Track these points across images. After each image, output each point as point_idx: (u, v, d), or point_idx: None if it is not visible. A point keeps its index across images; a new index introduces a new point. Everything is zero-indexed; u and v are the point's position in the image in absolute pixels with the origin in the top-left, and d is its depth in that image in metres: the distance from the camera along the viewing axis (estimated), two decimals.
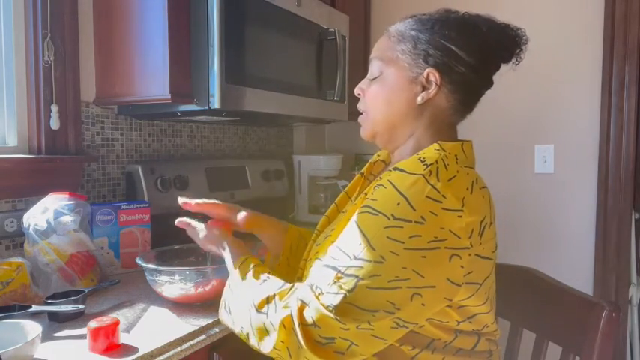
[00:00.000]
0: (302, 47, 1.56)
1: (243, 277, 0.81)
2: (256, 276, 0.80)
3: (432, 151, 0.77)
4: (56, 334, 0.84)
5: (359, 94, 0.89)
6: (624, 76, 1.76)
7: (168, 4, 1.21)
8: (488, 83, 0.85)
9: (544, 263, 1.60)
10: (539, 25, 1.88)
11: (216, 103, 1.24)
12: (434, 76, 0.79)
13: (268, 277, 0.79)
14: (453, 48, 0.78)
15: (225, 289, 0.83)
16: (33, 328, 0.77)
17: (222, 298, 0.83)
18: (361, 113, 0.89)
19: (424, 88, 0.80)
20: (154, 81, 1.25)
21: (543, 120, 1.90)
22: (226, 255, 0.87)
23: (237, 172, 1.75)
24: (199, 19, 1.25)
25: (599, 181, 1.82)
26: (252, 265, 0.82)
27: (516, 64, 0.84)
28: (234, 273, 0.83)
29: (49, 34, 1.23)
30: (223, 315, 0.82)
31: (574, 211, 1.87)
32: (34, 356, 0.74)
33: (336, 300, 0.67)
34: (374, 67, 0.86)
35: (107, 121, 1.41)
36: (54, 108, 1.25)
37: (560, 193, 1.89)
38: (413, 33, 0.81)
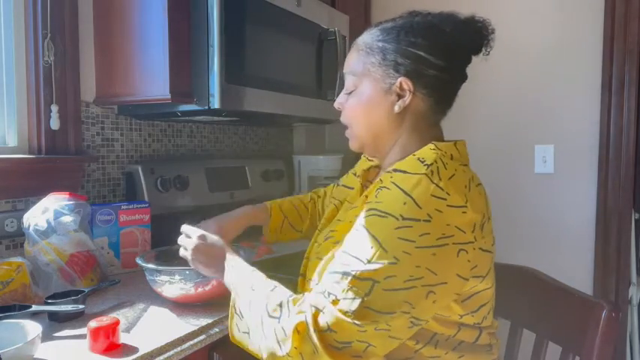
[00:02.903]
0: (302, 47, 1.56)
1: (253, 286, 0.81)
2: (267, 284, 0.80)
3: (428, 151, 0.79)
4: (56, 334, 0.84)
5: (339, 108, 0.91)
6: (624, 76, 1.75)
7: (168, 4, 1.21)
8: (462, 78, 0.86)
9: (544, 263, 1.60)
10: (540, 25, 1.88)
11: (216, 103, 1.24)
12: (406, 84, 0.80)
13: (277, 285, 0.80)
14: (421, 53, 0.79)
15: (236, 299, 0.83)
16: (33, 328, 0.77)
17: (231, 308, 0.83)
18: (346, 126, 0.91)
19: (399, 97, 0.81)
20: (154, 81, 1.25)
21: (543, 120, 1.90)
22: (232, 265, 0.88)
23: (237, 172, 1.75)
24: (199, 19, 1.25)
25: (599, 181, 1.81)
26: (262, 275, 0.83)
27: (487, 55, 0.85)
28: (244, 282, 0.83)
29: (49, 34, 1.23)
30: (235, 330, 0.81)
31: (574, 211, 1.87)
32: (34, 356, 0.74)
33: (353, 305, 0.67)
34: (348, 81, 0.87)
35: (107, 121, 1.41)
36: (54, 108, 1.25)
37: (560, 193, 1.89)
38: (380, 44, 0.82)
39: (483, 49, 0.84)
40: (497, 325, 0.88)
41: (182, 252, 0.94)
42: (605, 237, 1.81)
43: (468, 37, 0.82)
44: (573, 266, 1.86)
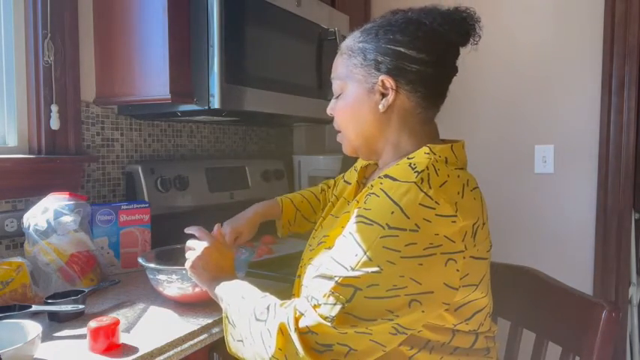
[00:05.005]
0: (302, 47, 1.56)
1: (244, 295, 0.81)
2: (257, 293, 0.81)
3: (421, 156, 0.77)
4: (56, 334, 0.84)
5: (331, 114, 0.91)
6: (624, 76, 1.75)
7: (168, 4, 1.21)
8: (450, 72, 0.84)
9: (544, 263, 1.60)
10: (539, 25, 1.88)
11: (216, 103, 1.24)
12: (388, 82, 0.80)
13: (267, 295, 0.80)
14: (401, 49, 0.79)
15: (227, 309, 0.82)
16: (33, 328, 0.77)
17: (224, 319, 0.83)
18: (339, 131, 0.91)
19: (383, 95, 0.81)
20: (154, 81, 1.25)
21: (543, 120, 1.90)
22: (226, 278, 0.88)
23: (237, 172, 1.75)
24: (199, 19, 1.25)
25: (599, 181, 1.82)
26: (253, 287, 0.84)
27: (475, 44, 0.83)
28: (236, 293, 0.83)
29: (49, 34, 1.23)
30: (230, 340, 0.81)
31: (574, 211, 1.87)
32: (34, 356, 0.74)
33: (334, 311, 0.67)
34: (335, 86, 0.88)
35: (107, 121, 1.41)
36: (54, 108, 1.25)
37: (560, 193, 1.89)
38: (360, 45, 0.83)
39: (471, 40, 0.82)
40: (495, 329, 0.87)
41: (188, 253, 0.94)
42: (605, 237, 1.81)
43: (451, 28, 0.80)
44: (573, 266, 1.87)
